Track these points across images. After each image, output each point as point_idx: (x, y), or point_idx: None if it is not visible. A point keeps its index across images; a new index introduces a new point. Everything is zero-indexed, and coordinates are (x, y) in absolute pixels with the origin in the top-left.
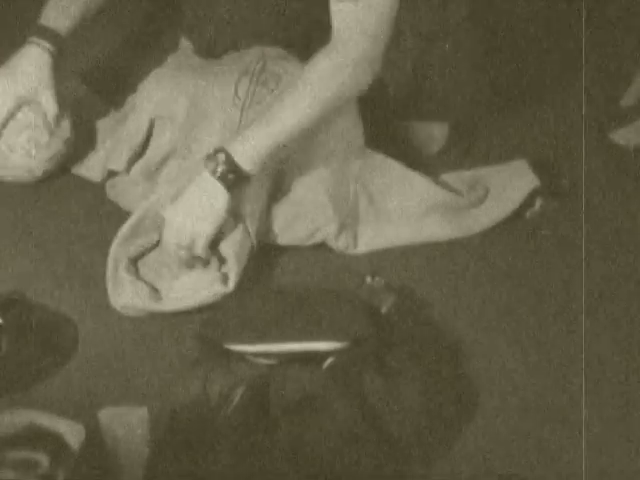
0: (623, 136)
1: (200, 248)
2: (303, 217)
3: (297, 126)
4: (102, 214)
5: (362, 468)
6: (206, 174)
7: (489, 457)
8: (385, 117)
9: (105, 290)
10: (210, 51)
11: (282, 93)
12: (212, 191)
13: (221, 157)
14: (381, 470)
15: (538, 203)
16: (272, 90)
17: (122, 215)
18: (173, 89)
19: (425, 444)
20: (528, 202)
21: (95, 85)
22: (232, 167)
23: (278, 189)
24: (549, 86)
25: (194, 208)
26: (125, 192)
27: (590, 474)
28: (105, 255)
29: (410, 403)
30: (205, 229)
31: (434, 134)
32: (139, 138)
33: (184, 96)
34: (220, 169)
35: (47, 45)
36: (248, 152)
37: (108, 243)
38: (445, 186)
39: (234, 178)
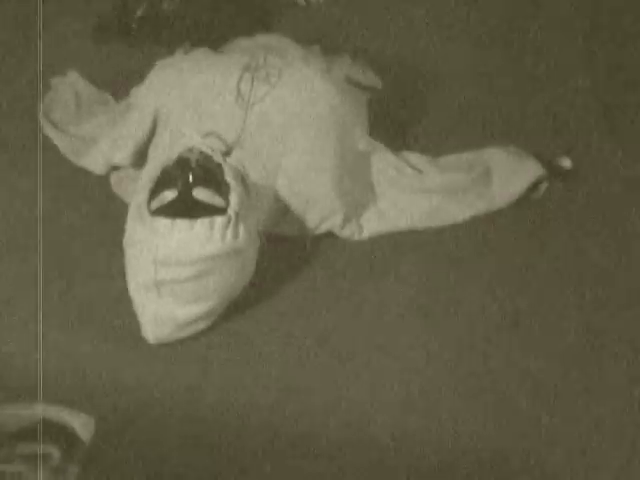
0: None
1: None
2: (310, 208)
3: None
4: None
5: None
6: None
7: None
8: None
9: (104, 288)
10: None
11: None
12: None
13: None
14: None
15: (543, 187)
16: (274, 86)
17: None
18: (176, 84)
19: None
20: (532, 187)
21: (97, 76)
22: None
23: (284, 183)
24: (552, 68)
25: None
26: (129, 186)
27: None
28: (108, 250)
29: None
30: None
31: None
32: (143, 132)
33: (187, 92)
34: None
35: None
36: None
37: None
38: (446, 168)
39: None
